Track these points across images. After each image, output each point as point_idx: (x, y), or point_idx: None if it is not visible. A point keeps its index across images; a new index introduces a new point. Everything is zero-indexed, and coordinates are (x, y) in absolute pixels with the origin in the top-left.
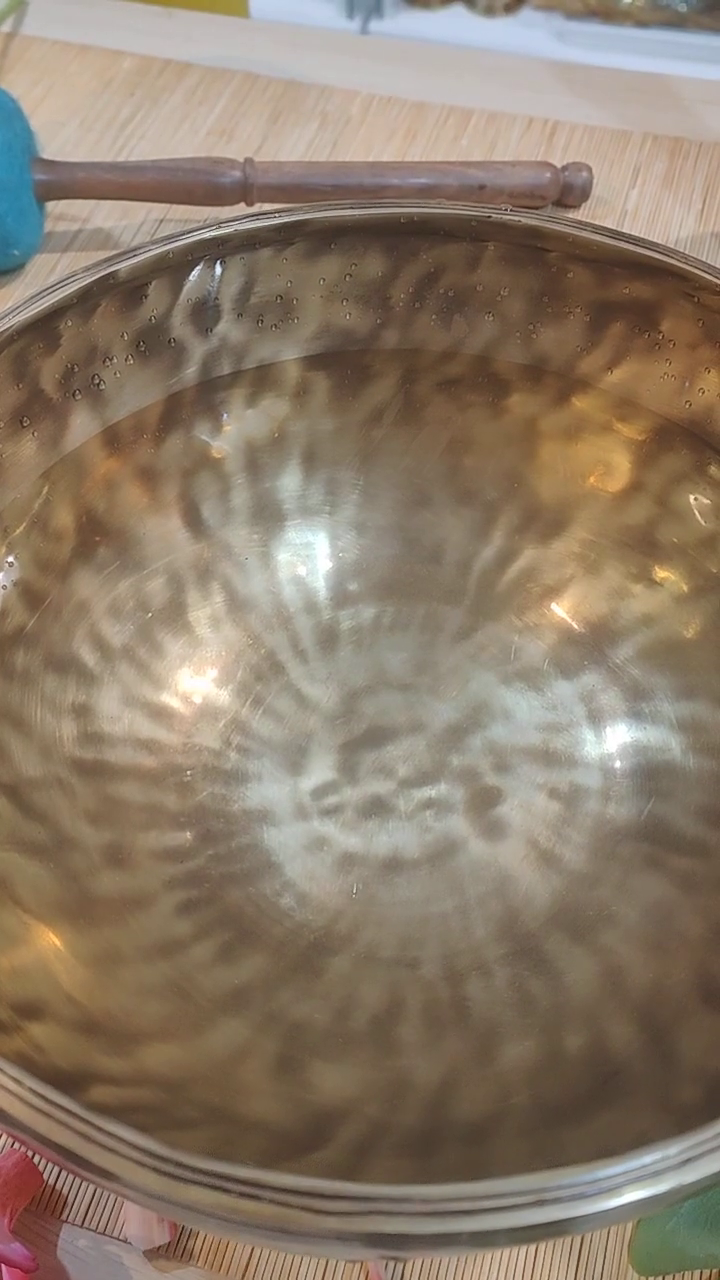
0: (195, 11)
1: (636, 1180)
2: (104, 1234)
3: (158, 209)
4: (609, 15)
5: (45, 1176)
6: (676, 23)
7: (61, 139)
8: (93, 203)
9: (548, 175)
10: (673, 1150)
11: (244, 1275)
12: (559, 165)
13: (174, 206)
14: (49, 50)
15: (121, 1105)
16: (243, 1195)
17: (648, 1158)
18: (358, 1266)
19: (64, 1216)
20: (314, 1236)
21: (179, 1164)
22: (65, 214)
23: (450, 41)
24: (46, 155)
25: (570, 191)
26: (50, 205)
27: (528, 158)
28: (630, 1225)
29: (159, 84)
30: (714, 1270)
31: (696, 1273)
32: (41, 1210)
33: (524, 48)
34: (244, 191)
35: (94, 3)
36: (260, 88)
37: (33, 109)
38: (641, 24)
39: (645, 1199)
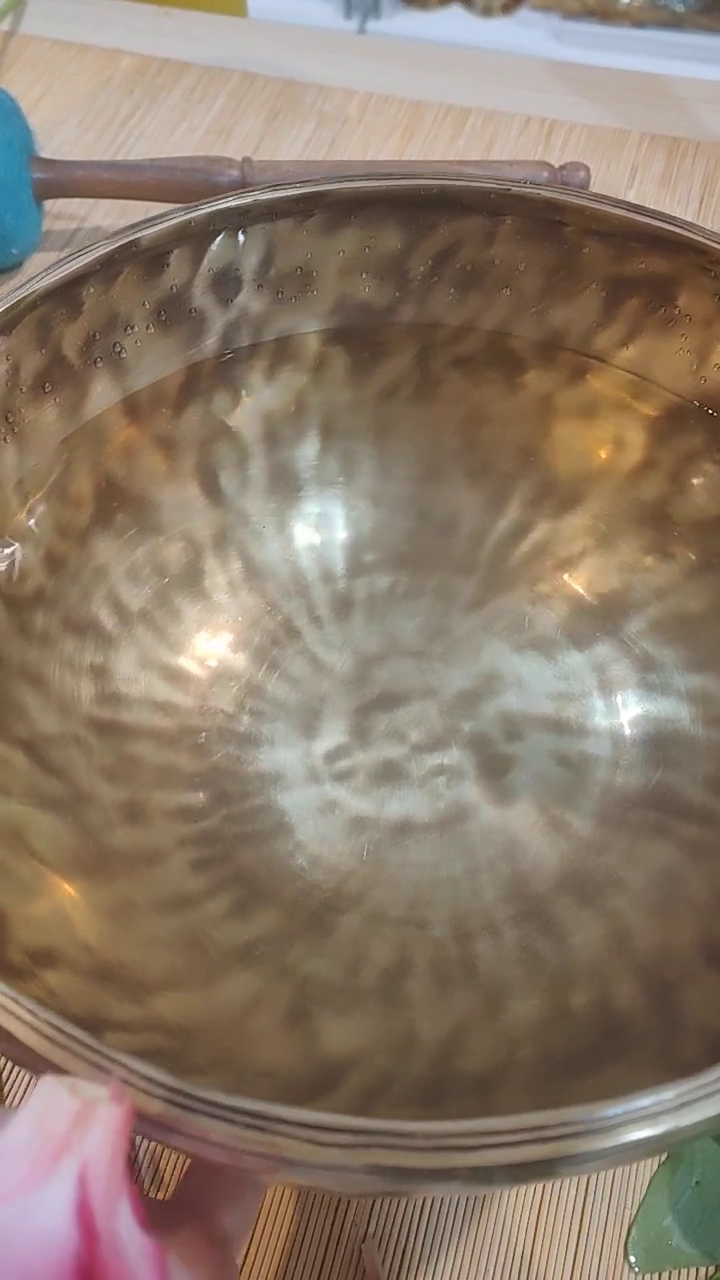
0: (193, 11)
1: (634, 1121)
2: None
3: (156, 208)
4: (606, 15)
5: None
6: (674, 22)
7: (60, 137)
8: (91, 201)
9: (545, 175)
10: (670, 1094)
11: (242, 1267)
12: (556, 164)
13: (172, 205)
14: (47, 49)
15: (134, 1050)
16: (248, 1126)
17: (645, 1100)
18: (354, 1266)
19: None
20: (316, 1167)
21: (187, 1094)
22: (64, 212)
23: (448, 41)
24: (45, 154)
25: None
26: (48, 204)
27: (525, 157)
28: (627, 1222)
29: (157, 83)
30: (710, 1266)
31: (693, 1269)
32: None
33: (521, 47)
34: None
35: (92, 1)
36: (258, 87)
37: (31, 107)
38: (639, 24)
39: (642, 1140)
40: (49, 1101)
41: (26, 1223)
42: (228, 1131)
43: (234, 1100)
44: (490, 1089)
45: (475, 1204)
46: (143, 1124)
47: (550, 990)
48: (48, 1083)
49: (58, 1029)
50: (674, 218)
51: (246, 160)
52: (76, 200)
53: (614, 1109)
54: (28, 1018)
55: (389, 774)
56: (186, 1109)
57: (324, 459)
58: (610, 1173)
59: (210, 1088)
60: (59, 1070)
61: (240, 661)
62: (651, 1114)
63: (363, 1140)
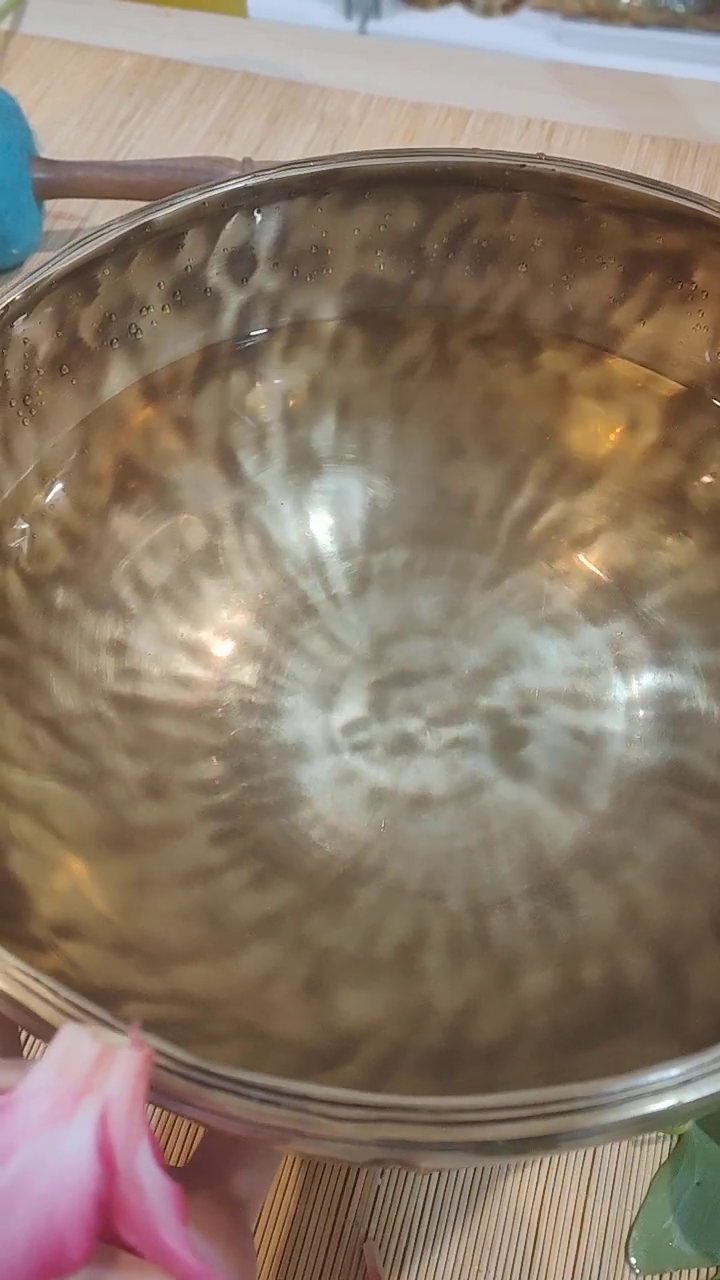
0: (194, 11)
1: (636, 1098)
2: None
3: None
4: (607, 16)
5: None
6: (675, 23)
7: (60, 138)
8: (91, 201)
9: None
10: (673, 1072)
11: None
12: None
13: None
14: (48, 49)
15: (154, 1021)
16: (263, 1101)
17: (648, 1077)
18: (355, 1266)
19: None
20: (329, 1139)
21: (204, 1070)
22: (64, 212)
23: (448, 42)
24: (45, 154)
25: None
26: (49, 204)
27: None
28: (628, 1223)
29: (158, 83)
30: (712, 1268)
31: (694, 1271)
32: None
33: (522, 48)
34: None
35: (92, 1)
36: (259, 88)
37: (31, 107)
38: (640, 25)
39: (644, 1116)
40: (71, 1046)
41: (50, 1158)
42: (243, 1106)
43: (250, 1076)
44: (501, 1059)
45: (476, 1204)
46: (160, 1095)
47: (562, 964)
48: (69, 1029)
49: (76, 1005)
50: (689, 192)
51: (247, 161)
52: (77, 200)
53: (617, 1085)
54: (47, 995)
55: (406, 746)
56: (202, 1084)
57: (341, 437)
58: (611, 1174)
59: (226, 1063)
60: None
61: (259, 637)
62: (654, 1090)
63: (374, 1115)
